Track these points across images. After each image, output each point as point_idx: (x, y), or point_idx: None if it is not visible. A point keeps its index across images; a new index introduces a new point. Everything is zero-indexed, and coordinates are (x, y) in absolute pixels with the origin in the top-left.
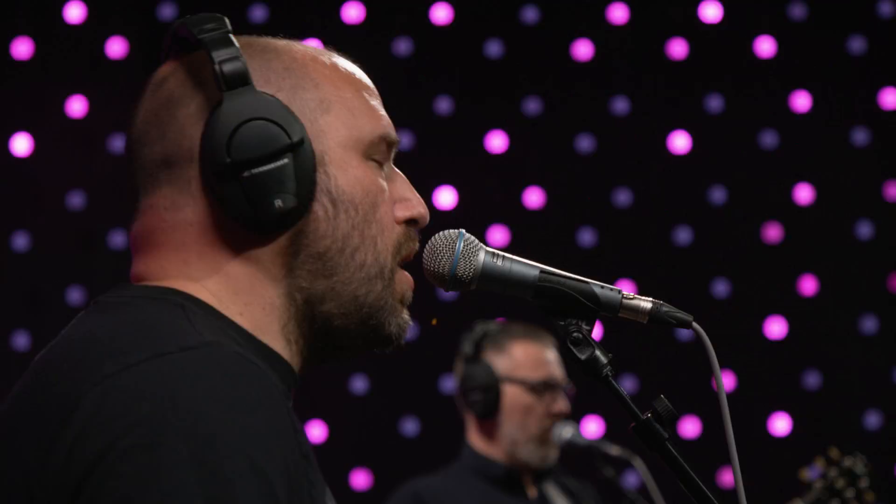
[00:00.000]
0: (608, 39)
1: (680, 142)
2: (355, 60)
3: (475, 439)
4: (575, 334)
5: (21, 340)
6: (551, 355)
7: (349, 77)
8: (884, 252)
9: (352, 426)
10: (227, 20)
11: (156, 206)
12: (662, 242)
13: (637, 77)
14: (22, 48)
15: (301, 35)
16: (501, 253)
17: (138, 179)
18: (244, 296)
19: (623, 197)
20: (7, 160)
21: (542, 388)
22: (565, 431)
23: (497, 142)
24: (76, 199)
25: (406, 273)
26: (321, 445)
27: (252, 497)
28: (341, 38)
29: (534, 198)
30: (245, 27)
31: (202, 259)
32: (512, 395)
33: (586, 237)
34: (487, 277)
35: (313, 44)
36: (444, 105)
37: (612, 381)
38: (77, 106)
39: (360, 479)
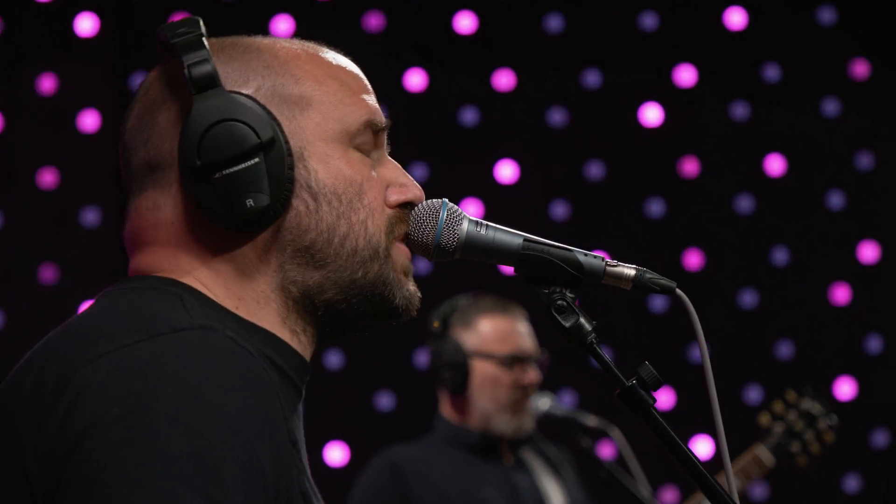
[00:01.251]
0: (579, 12)
1: (652, 114)
2: (344, 52)
3: (448, 413)
4: (559, 302)
5: None
6: (521, 327)
7: (333, 70)
8: (855, 223)
9: (326, 401)
10: (201, 23)
11: (139, 207)
12: (635, 214)
13: (608, 50)
14: None
15: (275, 12)
16: (485, 222)
17: (128, 184)
18: (236, 290)
19: (595, 170)
20: None
21: (510, 361)
22: (542, 402)
23: (469, 116)
24: (48, 177)
25: (402, 245)
26: None
27: (238, 464)
28: (314, 15)
29: (506, 171)
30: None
31: (189, 255)
32: (481, 369)
33: (559, 210)
34: (471, 246)
35: (293, 37)
36: (416, 80)
37: (596, 348)
38: (47, 83)
39: (336, 454)
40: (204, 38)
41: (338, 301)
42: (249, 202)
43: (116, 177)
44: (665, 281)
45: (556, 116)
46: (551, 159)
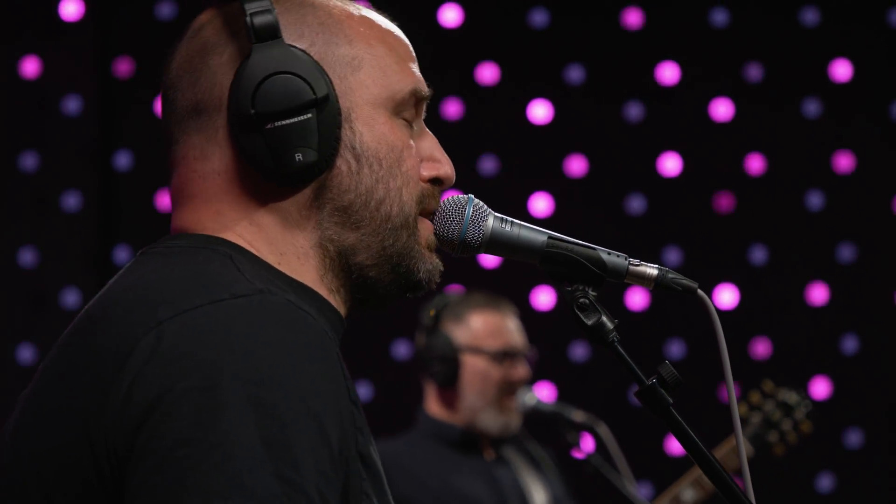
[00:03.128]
0: (565, 9)
1: (634, 111)
2: (393, 19)
3: (434, 407)
4: (581, 300)
5: None
6: (511, 323)
7: (383, 34)
8: (834, 223)
9: None
10: None
11: (187, 156)
12: (615, 211)
13: (592, 46)
14: None
15: None
16: (510, 219)
17: (171, 126)
18: (278, 245)
19: (577, 166)
20: None
21: (501, 356)
22: (529, 398)
23: (452, 109)
24: (29, 161)
25: (428, 221)
26: None
27: (306, 440)
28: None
29: (488, 166)
30: None
31: (233, 210)
32: (471, 364)
33: (539, 205)
34: (496, 243)
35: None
36: None
37: (617, 347)
38: (30, 67)
39: None
40: None
41: (368, 266)
42: (298, 156)
43: (98, 162)
44: (687, 281)
45: (539, 111)
46: (533, 155)
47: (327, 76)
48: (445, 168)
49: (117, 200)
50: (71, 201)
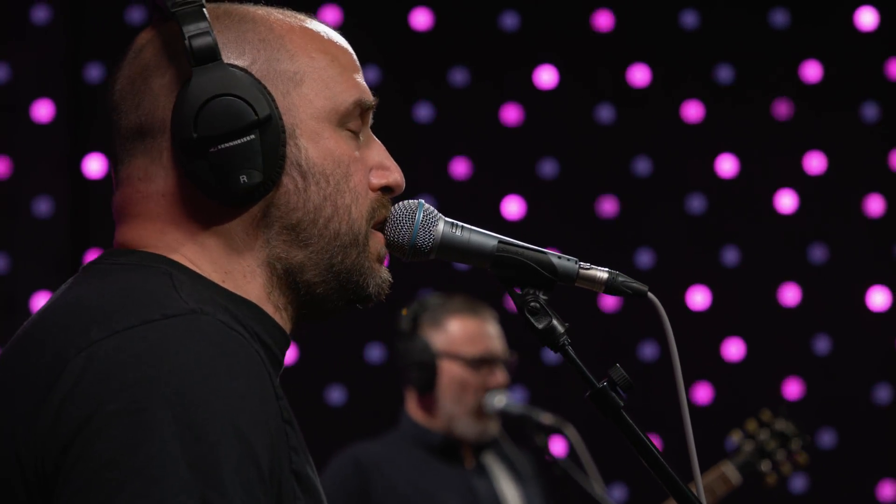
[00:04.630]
0: (535, 11)
1: (605, 113)
2: (336, 27)
3: (414, 411)
4: (532, 304)
5: None
6: (490, 329)
7: (325, 46)
8: (805, 224)
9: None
10: None
11: (131, 176)
12: (587, 213)
13: (563, 49)
14: None
15: None
16: (460, 223)
17: (116, 146)
18: (223, 264)
19: (549, 167)
20: None
21: (478, 363)
22: (498, 400)
23: (424, 112)
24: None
25: (378, 233)
26: None
27: (233, 460)
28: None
29: (460, 168)
30: None
31: (177, 229)
32: (448, 370)
33: (512, 207)
34: (446, 247)
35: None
36: (370, 76)
37: (568, 351)
38: (0, 72)
39: None
40: (204, 9)
41: (316, 284)
42: (243, 178)
43: (69, 167)
44: (637, 284)
45: (511, 114)
46: (506, 156)
47: (269, 95)
48: (395, 175)
49: (87, 206)
50: (42, 207)
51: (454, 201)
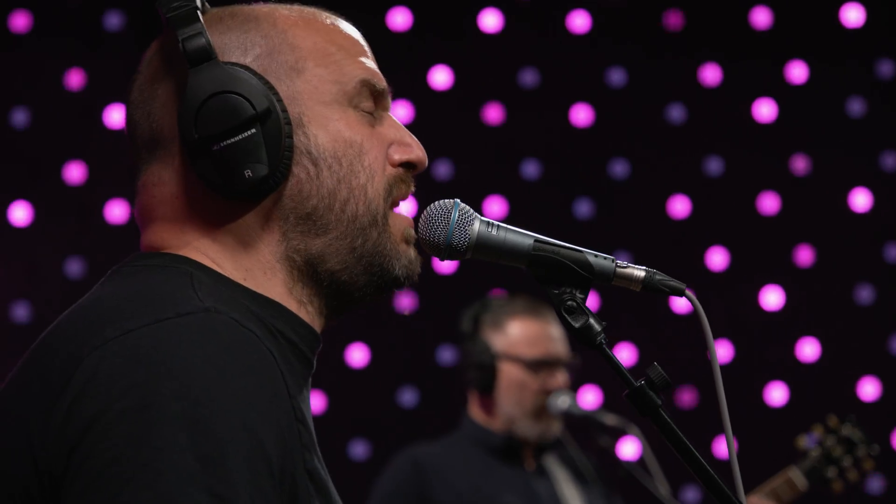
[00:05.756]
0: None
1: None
2: (346, 17)
3: (475, 412)
4: (569, 303)
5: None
6: (551, 331)
7: (328, 32)
8: (879, 222)
9: (350, 397)
10: None
11: (147, 183)
12: (658, 214)
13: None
14: (20, 21)
15: None
16: (496, 222)
17: (134, 158)
18: (243, 261)
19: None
20: (6, 133)
21: (538, 365)
22: (562, 401)
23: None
24: (74, 172)
25: (400, 213)
26: (320, 416)
27: (242, 455)
28: None
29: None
30: None
31: (195, 229)
32: (508, 372)
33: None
34: (482, 247)
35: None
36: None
37: (605, 349)
38: (75, 79)
39: (359, 450)
40: (198, 11)
41: (339, 271)
42: (248, 172)
43: None
44: (675, 283)
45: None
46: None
47: (270, 87)
48: (416, 151)
49: None
50: (115, 211)
51: (525, 204)
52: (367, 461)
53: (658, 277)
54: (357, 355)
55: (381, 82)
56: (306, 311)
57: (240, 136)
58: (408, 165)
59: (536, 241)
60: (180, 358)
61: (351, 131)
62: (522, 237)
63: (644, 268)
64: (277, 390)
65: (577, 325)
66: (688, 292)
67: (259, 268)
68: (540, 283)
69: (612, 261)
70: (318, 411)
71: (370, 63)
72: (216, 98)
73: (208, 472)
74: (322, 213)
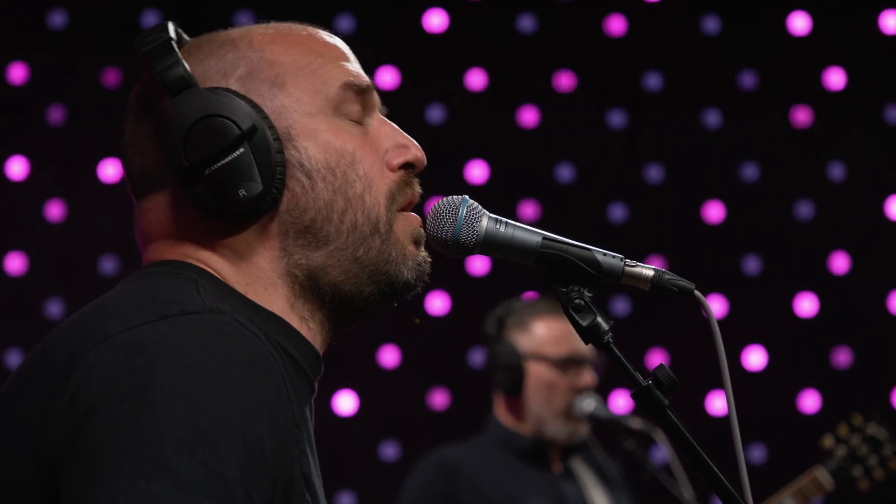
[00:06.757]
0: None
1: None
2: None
3: (503, 415)
4: (577, 301)
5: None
6: None
7: (306, 44)
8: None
9: (381, 398)
10: (169, 26)
11: (144, 209)
12: (693, 219)
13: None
14: (57, 19)
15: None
16: (504, 219)
17: (132, 191)
18: (243, 278)
19: (655, 173)
20: (43, 132)
21: (565, 363)
22: (587, 404)
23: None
24: (110, 170)
25: (409, 214)
26: (351, 417)
27: (239, 439)
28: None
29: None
30: None
31: (197, 246)
32: (536, 372)
33: (617, 213)
34: (490, 244)
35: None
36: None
37: (612, 348)
38: (112, 77)
39: (390, 451)
40: (172, 42)
41: (342, 282)
42: (242, 192)
43: None
44: (684, 282)
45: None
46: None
47: (253, 105)
48: (413, 151)
49: None
50: None
51: (559, 208)
52: (397, 462)
53: (667, 277)
54: (389, 357)
55: (364, 80)
56: (308, 328)
57: (229, 158)
58: (407, 166)
59: (544, 238)
60: (183, 348)
61: (341, 140)
62: (530, 234)
63: (653, 267)
64: (278, 389)
65: (584, 323)
66: (696, 292)
67: (260, 283)
68: (548, 281)
69: (621, 259)
70: (349, 412)
71: (351, 65)
72: (200, 123)
73: (204, 445)
74: (321, 224)
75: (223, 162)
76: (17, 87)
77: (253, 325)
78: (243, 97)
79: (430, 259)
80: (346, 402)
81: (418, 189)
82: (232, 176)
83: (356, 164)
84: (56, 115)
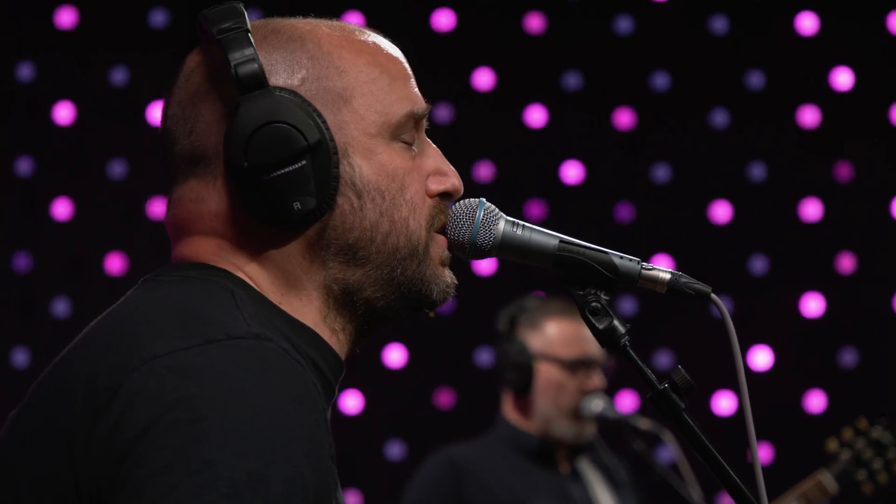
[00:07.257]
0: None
1: (720, 118)
2: (388, 35)
3: (510, 414)
4: (594, 304)
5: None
6: (588, 331)
7: (375, 56)
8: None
9: (387, 398)
10: (245, 14)
11: (183, 197)
12: (699, 219)
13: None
14: (66, 18)
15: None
16: (521, 222)
17: (170, 169)
18: (279, 287)
19: (662, 173)
20: (51, 130)
21: (575, 365)
22: (595, 405)
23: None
24: (118, 168)
25: (438, 236)
26: (357, 416)
27: (285, 479)
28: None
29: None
30: None
31: (234, 248)
32: (545, 372)
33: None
34: (507, 246)
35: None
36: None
37: (629, 351)
38: (120, 75)
39: (395, 450)
40: (249, 34)
41: (376, 299)
42: (297, 205)
43: None
44: (700, 286)
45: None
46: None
47: (319, 117)
48: (453, 181)
49: None
50: (160, 207)
51: (565, 207)
52: (403, 462)
53: (684, 280)
54: (395, 356)
55: (425, 107)
56: (337, 340)
57: (290, 168)
58: (444, 195)
59: (561, 241)
60: (231, 378)
61: (394, 165)
62: (547, 237)
63: (670, 270)
64: (320, 425)
65: (601, 326)
66: (713, 296)
67: (295, 294)
68: (564, 284)
69: (638, 262)
70: (355, 411)
71: (414, 87)
72: (268, 128)
73: (253, 488)
74: (364, 245)
75: (283, 171)
76: (25, 85)
77: (295, 352)
78: (310, 105)
79: (456, 282)
80: (352, 402)
81: (448, 213)
82: (289, 187)
83: (404, 188)
84: (64, 113)
